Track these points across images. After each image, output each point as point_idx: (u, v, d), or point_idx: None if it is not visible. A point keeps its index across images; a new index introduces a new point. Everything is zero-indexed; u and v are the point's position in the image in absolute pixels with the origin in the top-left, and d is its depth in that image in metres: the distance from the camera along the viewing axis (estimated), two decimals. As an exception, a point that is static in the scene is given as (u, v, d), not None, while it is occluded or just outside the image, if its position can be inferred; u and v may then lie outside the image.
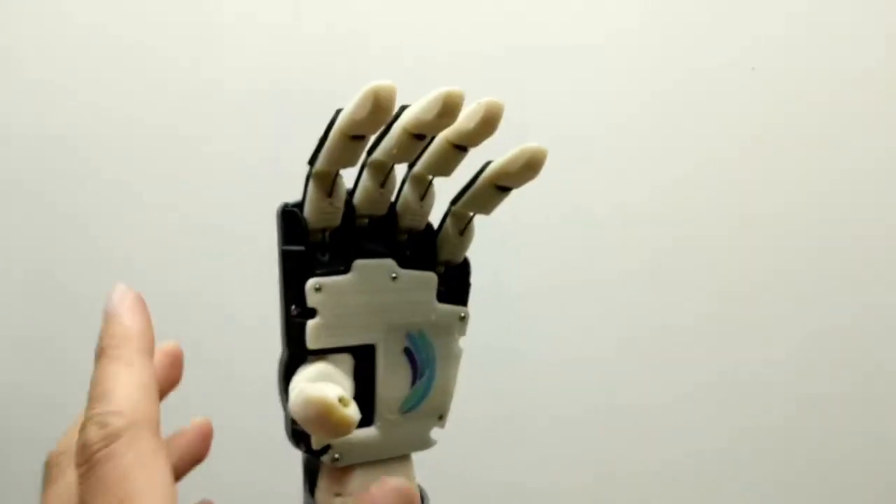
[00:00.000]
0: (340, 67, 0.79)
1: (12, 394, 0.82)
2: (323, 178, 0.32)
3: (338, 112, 0.31)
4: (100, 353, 0.28)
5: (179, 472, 0.35)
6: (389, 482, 0.31)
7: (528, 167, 0.33)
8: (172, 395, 0.81)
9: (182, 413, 0.86)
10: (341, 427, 0.27)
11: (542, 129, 0.80)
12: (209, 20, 0.80)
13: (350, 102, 0.30)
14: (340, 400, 0.27)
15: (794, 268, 0.82)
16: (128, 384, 0.26)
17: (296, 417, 0.29)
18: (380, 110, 0.29)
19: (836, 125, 0.81)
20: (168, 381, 0.35)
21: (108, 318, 0.28)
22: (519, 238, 0.80)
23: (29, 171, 0.81)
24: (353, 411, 0.27)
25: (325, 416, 0.27)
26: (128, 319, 0.28)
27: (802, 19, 0.80)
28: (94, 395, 0.26)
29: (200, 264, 0.81)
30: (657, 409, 0.83)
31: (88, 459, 0.24)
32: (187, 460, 0.35)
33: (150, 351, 0.28)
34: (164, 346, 0.35)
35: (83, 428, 0.25)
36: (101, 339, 0.28)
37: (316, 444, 0.33)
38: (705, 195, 0.81)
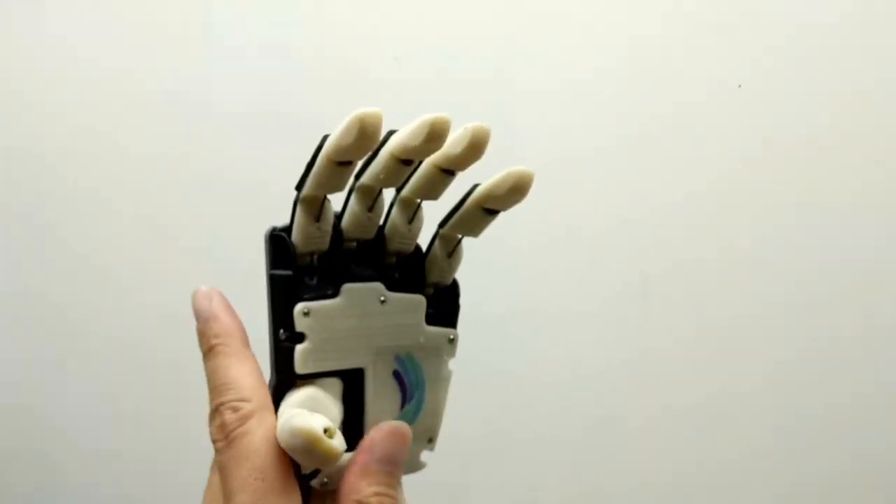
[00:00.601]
0: (329, 90, 0.79)
1: None
2: (310, 203, 0.32)
3: (325, 138, 0.31)
4: (210, 350, 0.33)
5: None
6: (385, 426, 0.32)
7: (514, 190, 0.33)
8: (158, 412, 0.80)
9: (176, 429, 0.85)
10: (328, 458, 0.28)
11: (530, 151, 0.80)
12: (196, 42, 0.80)
13: (336, 129, 0.30)
14: (326, 431, 0.28)
15: (782, 288, 0.82)
16: (246, 374, 0.32)
17: (283, 446, 0.29)
18: (366, 137, 0.29)
19: (825, 142, 0.81)
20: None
21: (208, 318, 0.33)
22: (507, 260, 0.81)
23: (12, 187, 0.81)
24: (338, 442, 0.28)
25: (310, 446, 0.28)
26: (226, 318, 0.33)
27: (787, 38, 0.81)
28: (219, 385, 0.32)
29: (188, 286, 0.80)
30: (645, 428, 0.83)
31: (227, 436, 0.30)
32: None
33: (248, 342, 0.33)
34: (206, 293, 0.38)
35: (217, 413, 0.31)
36: (207, 337, 0.33)
37: (305, 468, 0.33)
38: (693, 215, 0.82)
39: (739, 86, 0.80)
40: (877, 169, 0.81)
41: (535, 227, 0.80)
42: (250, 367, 0.32)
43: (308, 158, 0.32)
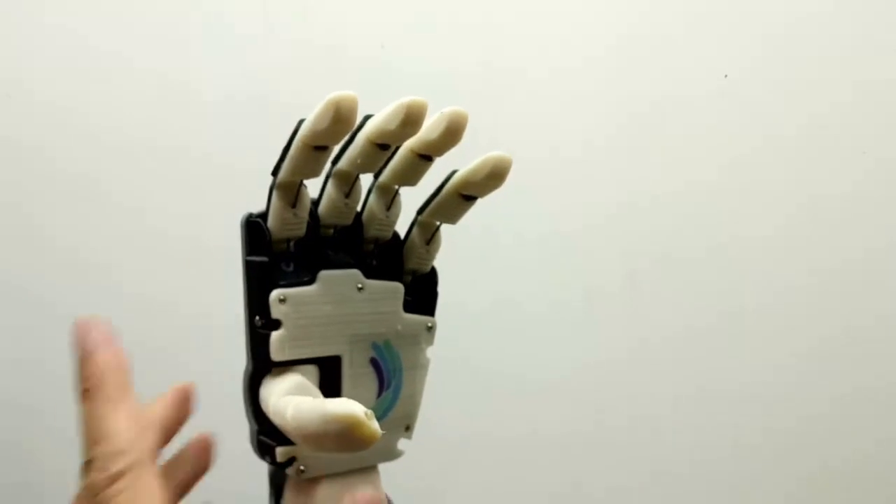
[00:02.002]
0: (312, 76, 0.78)
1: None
2: (286, 189, 0.32)
3: (300, 122, 0.31)
4: (84, 395, 0.29)
5: (187, 486, 0.36)
6: (360, 497, 0.31)
7: (492, 176, 0.33)
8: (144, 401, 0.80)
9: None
10: (369, 442, 0.26)
11: (516, 144, 0.80)
12: (181, 27, 0.79)
13: (312, 113, 0.30)
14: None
15: (771, 282, 0.82)
16: (120, 421, 0.28)
17: (303, 432, 0.28)
18: (341, 121, 0.29)
19: (813, 134, 0.81)
20: (179, 419, 0.35)
21: (82, 357, 0.29)
22: (492, 254, 0.80)
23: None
24: (377, 426, 0.26)
25: (351, 431, 0.26)
26: (102, 356, 0.29)
27: (776, 28, 0.81)
28: (90, 436, 0.28)
29: (174, 273, 0.80)
30: (632, 423, 0.83)
31: (96, 496, 0.27)
32: (192, 474, 0.36)
33: (129, 381, 0.29)
34: (177, 386, 0.36)
35: (87, 469, 0.27)
36: (81, 380, 0.29)
37: (281, 456, 0.33)
38: (681, 208, 0.82)
39: (726, 76, 0.80)
40: (865, 159, 0.81)
41: (520, 221, 0.80)
42: (127, 413, 0.28)
43: (284, 144, 0.32)
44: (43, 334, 0.81)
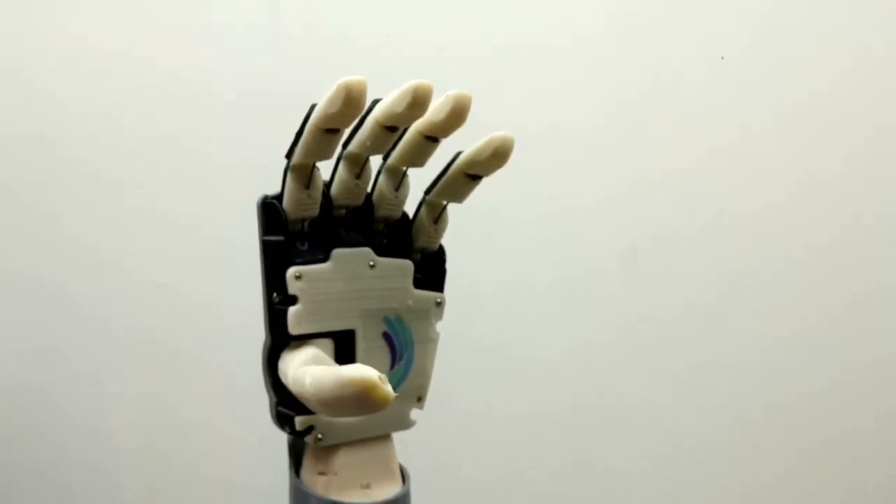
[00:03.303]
0: (322, 67, 0.80)
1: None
2: (300, 171, 0.34)
3: (312, 107, 0.32)
4: None
5: None
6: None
7: (495, 155, 0.35)
8: (167, 394, 0.81)
9: (174, 408, 0.86)
10: (383, 404, 0.28)
11: (519, 125, 0.81)
12: (190, 22, 0.81)
13: (323, 97, 0.31)
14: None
15: (771, 259, 0.84)
16: None
17: (322, 398, 0.29)
18: (352, 104, 0.30)
19: (812, 113, 0.83)
20: None
21: None
22: (496, 234, 0.82)
23: (10, 171, 0.82)
24: (391, 389, 0.28)
25: (366, 393, 0.27)
26: None
27: (772, 7, 0.82)
28: None
29: (188, 267, 0.82)
30: (638, 397, 0.85)
31: None
32: None
33: None
34: None
35: None
36: None
37: (300, 425, 0.35)
38: (681, 186, 0.83)
39: (722, 58, 0.81)
40: (863, 136, 0.82)
41: (522, 201, 0.81)
42: None
43: (297, 128, 0.33)
44: (59, 323, 0.82)
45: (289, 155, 0.34)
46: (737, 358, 0.84)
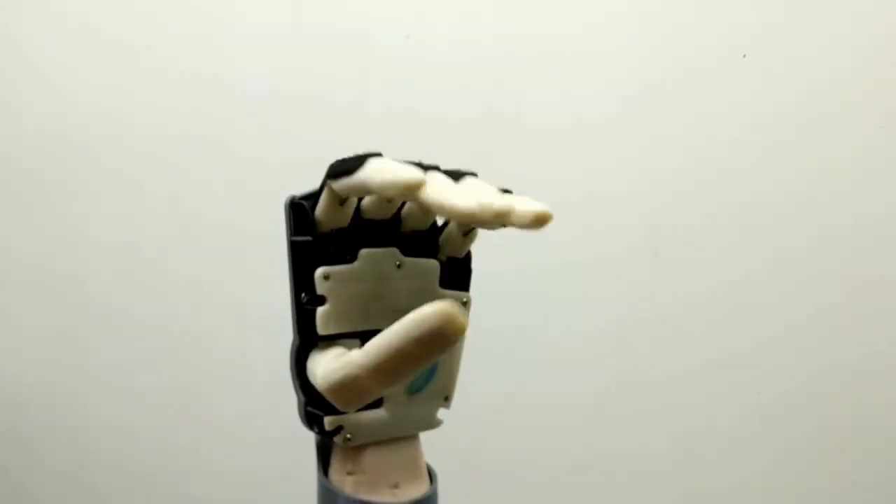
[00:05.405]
0: (342, 67, 0.80)
1: (23, 389, 0.84)
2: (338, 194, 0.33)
3: (375, 154, 0.31)
4: None
5: None
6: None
7: (531, 226, 0.31)
8: (181, 389, 0.82)
9: (193, 403, 0.86)
10: (459, 332, 0.28)
11: (538, 117, 0.81)
12: (212, 20, 0.81)
13: (394, 173, 0.28)
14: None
15: (792, 247, 0.83)
16: None
17: (385, 355, 0.29)
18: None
19: (829, 112, 0.82)
20: None
21: None
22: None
23: (37, 169, 0.82)
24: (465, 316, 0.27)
25: (446, 323, 0.27)
26: None
27: (793, 6, 0.81)
28: None
29: (208, 261, 0.82)
30: (660, 386, 0.84)
31: None
32: None
33: None
34: None
35: None
36: None
37: (329, 424, 0.35)
38: (704, 174, 0.83)
39: (744, 56, 0.81)
40: (882, 133, 0.82)
41: (544, 189, 0.81)
42: None
43: (352, 154, 0.31)
44: (86, 324, 0.83)
45: (334, 177, 0.32)
46: (761, 347, 0.84)
